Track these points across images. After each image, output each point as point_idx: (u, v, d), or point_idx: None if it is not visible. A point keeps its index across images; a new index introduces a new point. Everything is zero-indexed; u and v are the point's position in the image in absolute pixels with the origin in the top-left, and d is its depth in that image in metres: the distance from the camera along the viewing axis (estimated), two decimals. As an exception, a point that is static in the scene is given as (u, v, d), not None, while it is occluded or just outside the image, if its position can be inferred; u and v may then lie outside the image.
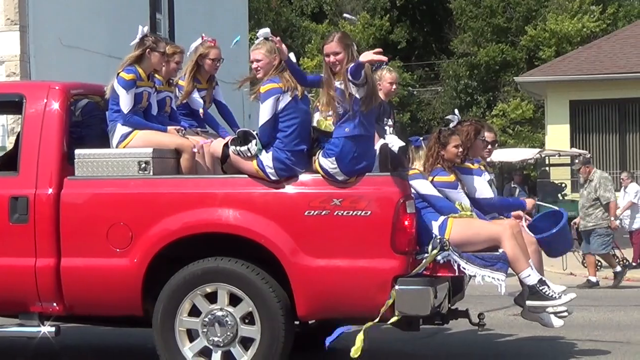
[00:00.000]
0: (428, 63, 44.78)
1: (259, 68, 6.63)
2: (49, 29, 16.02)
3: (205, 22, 20.98)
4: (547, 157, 23.68)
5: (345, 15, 7.61)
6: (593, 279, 13.58)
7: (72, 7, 16.80)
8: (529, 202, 7.59)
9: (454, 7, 41.43)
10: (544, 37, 37.12)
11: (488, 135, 7.95)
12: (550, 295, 6.76)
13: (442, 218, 6.72)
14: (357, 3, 44.74)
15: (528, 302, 6.89)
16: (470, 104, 39.49)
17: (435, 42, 44.68)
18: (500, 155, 26.28)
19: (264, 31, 6.67)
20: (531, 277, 6.77)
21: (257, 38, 6.69)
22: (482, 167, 7.68)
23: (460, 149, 7.22)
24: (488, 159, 8.18)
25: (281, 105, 6.49)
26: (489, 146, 7.99)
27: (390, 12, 43.87)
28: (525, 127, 37.49)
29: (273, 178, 6.45)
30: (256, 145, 6.49)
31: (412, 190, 6.69)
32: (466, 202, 7.00)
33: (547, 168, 24.58)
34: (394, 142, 7.01)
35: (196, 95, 7.66)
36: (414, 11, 45.28)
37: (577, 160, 14.55)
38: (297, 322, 6.74)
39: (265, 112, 6.48)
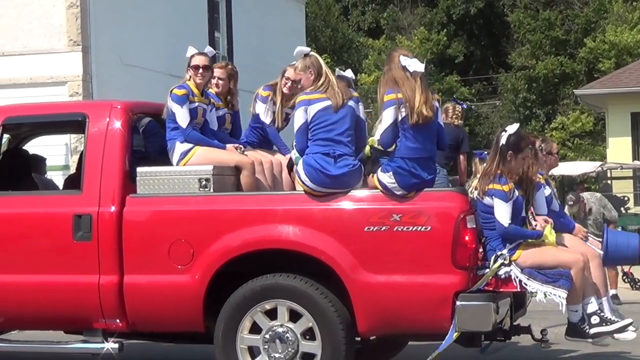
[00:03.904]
0: (486, 77, 44.54)
1: (299, 86, 6.92)
2: (110, 49, 16.27)
3: (263, 39, 21.15)
4: (609, 170, 23.40)
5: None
6: (612, 291, 13.06)
7: (132, 27, 17.04)
8: (578, 230, 7.50)
9: (512, 20, 41.20)
10: (603, 49, 36.69)
11: (554, 147, 8.01)
12: (588, 332, 6.71)
13: (517, 242, 6.62)
14: (414, 18, 44.70)
15: (566, 337, 6.87)
16: (529, 117, 39.17)
17: (493, 55, 44.43)
18: (561, 168, 25.99)
19: (300, 49, 6.94)
20: (577, 313, 6.72)
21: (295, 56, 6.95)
22: (543, 180, 7.62)
23: (536, 167, 7.17)
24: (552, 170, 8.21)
25: (310, 115, 6.62)
26: (556, 155, 8.05)
27: (447, 27, 43.75)
28: (585, 140, 37.07)
29: (309, 185, 6.47)
30: (294, 154, 6.70)
31: (492, 205, 6.60)
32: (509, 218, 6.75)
33: (609, 181, 24.28)
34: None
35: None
36: (471, 25, 45.08)
37: (570, 202, 13.95)
38: (358, 339, 6.73)
39: (296, 121, 6.71)
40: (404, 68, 6.52)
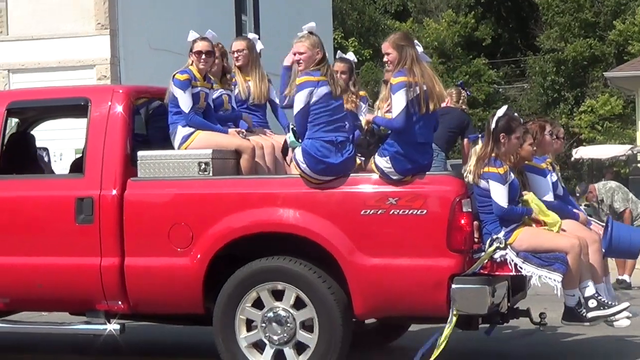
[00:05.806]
0: (514, 60, 44.19)
1: (300, 61, 6.69)
2: (138, 33, 16.34)
3: (290, 22, 21.12)
4: (639, 154, 23.22)
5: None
6: (627, 278, 12.78)
7: (160, 11, 17.11)
8: (582, 218, 7.48)
9: (540, 2, 40.80)
10: (633, 31, 36.29)
11: (561, 131, 8.02)
12: (585, 316, 6.71)
13: (513, 226, 6.63)
14: (441, 0, 44.44)
15: (562, 321, 6.86)
16: (557, 100, 38.89)
17: (521, 38, 44.07)
18: (590, 152, 25.81)
19: (310, 25, 6.83)
20: (574, 297, 6.71)
21: (302, 31, 6.83)
22: (549, 166, 7.60)
23: (534, 148, 7.18)
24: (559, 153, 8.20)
25: (314, 98, 6.55)
26: (562, 139, 8.04)
27: (474, 9, 43.45)
28: (614, 123, 36.71)
29: (309, 173, 6.48)
30: (289, 137, 6.68)
31: (487, 188, 6.61)
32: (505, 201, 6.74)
33: (639, 164, 24.09)
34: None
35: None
36: (499, 7, 44.75)
37: (577, 194, 13.82)
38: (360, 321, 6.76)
39: (298, 102, 6.58)
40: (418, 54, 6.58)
